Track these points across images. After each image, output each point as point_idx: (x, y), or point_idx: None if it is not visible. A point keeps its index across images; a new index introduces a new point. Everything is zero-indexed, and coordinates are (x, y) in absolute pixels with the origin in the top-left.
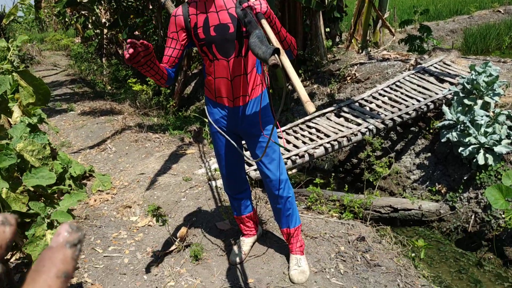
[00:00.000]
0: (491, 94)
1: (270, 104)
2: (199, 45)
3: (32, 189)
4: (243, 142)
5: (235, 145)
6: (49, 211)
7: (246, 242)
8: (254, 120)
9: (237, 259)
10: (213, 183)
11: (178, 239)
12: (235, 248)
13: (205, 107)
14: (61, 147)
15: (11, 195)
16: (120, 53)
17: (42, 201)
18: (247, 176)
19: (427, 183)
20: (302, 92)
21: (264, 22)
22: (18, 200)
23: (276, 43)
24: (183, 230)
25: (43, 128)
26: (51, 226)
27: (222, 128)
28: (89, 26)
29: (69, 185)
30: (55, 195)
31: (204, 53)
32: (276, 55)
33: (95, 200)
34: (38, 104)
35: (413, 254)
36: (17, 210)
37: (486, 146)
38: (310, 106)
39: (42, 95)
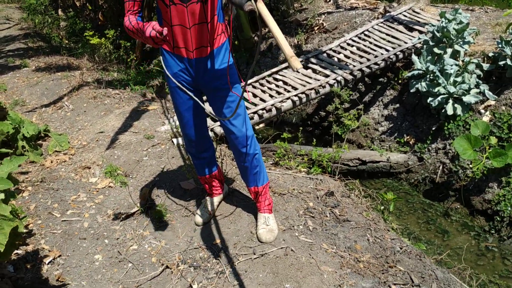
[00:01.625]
0: (461, 43)
1: (231, 55)
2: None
3: None
4: (204, 97)
5: (198, 101)
6: None
7: (212, 202)
8: (217, 73)
9: (203, 220)
10: (177, 140)
11: (140, 200)
12: (200, 208)
13: (161, 58)
14: (14, 106)
15: None
16: (78, 5)
17: None
18: (210, 133)
19: (396, 134)
20: (285, 45)
21: None
22: None
23: None
24: (145, 190)
25: None
26: None
27: (181, 83)
28: None
29: (23, 147)
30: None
31: None
32: (252, 0)
33: (51, 162)
34: None
35: (382, 208)
36: None
37: (455, 95)
38: (295, 62)
39: None
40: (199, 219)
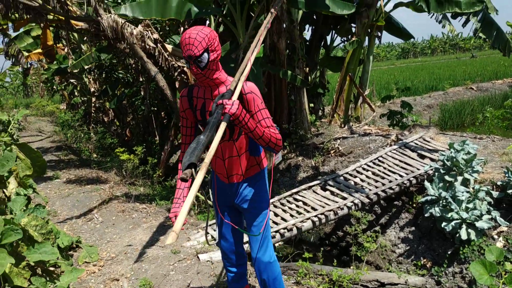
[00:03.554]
0: (470, 171)
1: (267, 184)
2: (198, 124)
3: (33, 263)
4: None
5: (228, 222)
6: (50, 286)
7: None
8: (246, 198)
9: None
10: (202, 256)
11: None
12: None
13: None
14: (47, 216)
15: (13, 270)
16: (106, 121)
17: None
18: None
19: (412, 257)
20: (181, 217)
21: (222, 126)
22: (20, 275)
23: (212, 150)
24: None
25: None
26: None
27: (220, 200)
28: (76, 93)
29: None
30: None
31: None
32: (193, 170)
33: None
34: (34, 176)
35: None
36: (19, 285)
37: (468, 221)
38: (169, 237)
39: (39, 167)
40: None
